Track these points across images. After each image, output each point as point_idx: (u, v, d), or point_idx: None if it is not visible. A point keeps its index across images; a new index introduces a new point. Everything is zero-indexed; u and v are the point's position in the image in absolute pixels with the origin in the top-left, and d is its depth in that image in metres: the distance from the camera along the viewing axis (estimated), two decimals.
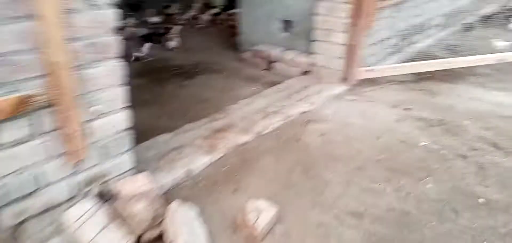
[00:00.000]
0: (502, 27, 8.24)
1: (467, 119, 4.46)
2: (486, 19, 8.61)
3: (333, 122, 4.38)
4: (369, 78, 5.48)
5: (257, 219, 2.65)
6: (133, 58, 6.32)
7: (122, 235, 2.49)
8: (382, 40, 5.99)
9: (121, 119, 2.73)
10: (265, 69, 6.06)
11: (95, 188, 2.76)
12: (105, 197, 2.79)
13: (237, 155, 3.70)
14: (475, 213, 3.01)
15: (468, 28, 8.05)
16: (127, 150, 2.87)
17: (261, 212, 2.71)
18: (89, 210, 2.58)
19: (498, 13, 9.04)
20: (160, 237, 2.64)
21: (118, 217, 2.59)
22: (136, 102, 5.05)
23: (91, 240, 2.42)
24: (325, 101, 4.87)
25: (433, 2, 7.29)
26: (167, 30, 7.40)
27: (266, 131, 4.07)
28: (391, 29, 6.09)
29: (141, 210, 2.55)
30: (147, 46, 6.66)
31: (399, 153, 3.80)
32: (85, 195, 2.71)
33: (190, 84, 5.59)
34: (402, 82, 5.61)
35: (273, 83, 5.45)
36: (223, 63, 6.50)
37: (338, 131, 4.19)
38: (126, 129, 2.80)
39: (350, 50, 5.01)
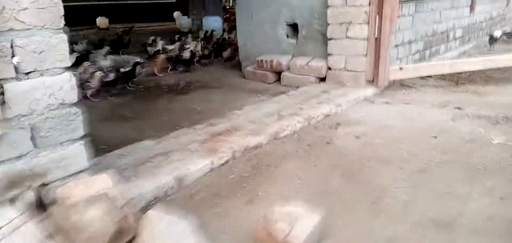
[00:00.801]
0: None
1: None
2: (509, 36, 7.86)
3: (368, 125, 3.37)
4: (399, 83, 4.53)
5: (291, 230, 1.57)
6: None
7: None
8: (407, 43, 5.12)
9: (62, 86, 1.71)
10: (272, 82, 5.10)
11: (26, 194, 1.68)
12: (43, 206, 1.71)
13: (247, 161, 2.64)
14: None
15: (491, 42, 7.26)
16: (77, 139, 1.83)
17: (296, 220, 1.62)
18: (11, 221, 1.50)
19: None
20: None
21: (59, 231, 1.50)
22: (113, 117, 4.16)
23: None
24: (353, 104, 3.88)
25: (453, 10, 6.56)
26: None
27: (284, 134, 3.04)
28: (414, 31, 5.24)
29: (94, 219, 1.47)
30: None
31: (469, 153, 2.79)
32: (8, 202, 1.63)
33: (183, 99, 4.60)
34: (437, 86, 4.66)
35: (283, 94, 4.47)
36: (222, 80, 5.56)
37: (377, 134, 3.17)
38: (71, 104, 1.77)
39: (376, 45, 4.10)
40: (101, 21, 14.56)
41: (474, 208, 2.08)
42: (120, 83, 4.92)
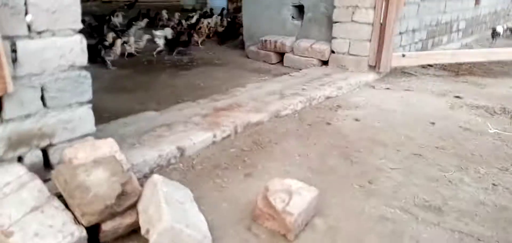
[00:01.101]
0: None
1: None
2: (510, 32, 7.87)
3: (368, 109, 3.43)
4: (401, 70, 4.58)
5: (288, 203, 1.63)
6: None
7: (64, 220, 1.46)
8: (411, 31, 5.13)
9: (73, 47, 1.75)
10: (275, 63, 5.13)
11: (33, 153, 1.74)
12: (49, 166, 1.78)
13: (248, 136, 2.70)
14: None
15: (493, 36, 7.27)
16: (85, 103, 1.88)
17: (295, 193, 1.69)
18: (15, 180, 1.56)
19: None
20: (132, 232, 1.62)
21: (66, 190, 1.56)
22: (114, 89, 4.19)
23: (13, 223, 1.40)
24: (355, 88, 3.93)
25: (458, 1, 6.55)
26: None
27: (285, 113, 3.09)
28: (418, 20, 5.24)
29: (101, 179, 1.53)
30: None
31: (466, 140, 2.86)
32: (16, 159, 1.69)
33: (186, 75, 4.64)
34: (438, 76, 4.71)
35: (285, 74, 4.51)
36: (225, 58, 5.59)
37: (376, 117, 3.23)
38: (81, 67, 1.81)
39: (381, 31, 4.12)
40: None
41: (466, 192, 2.15)
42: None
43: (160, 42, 5.45)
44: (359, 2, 4.22)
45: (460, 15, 6.91)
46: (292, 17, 5.25)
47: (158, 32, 5.64)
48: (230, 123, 2.68)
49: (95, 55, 4.59)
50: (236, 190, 2.05)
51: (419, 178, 2.26)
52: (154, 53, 5.45)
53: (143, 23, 7.13)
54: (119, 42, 5.02)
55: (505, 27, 7.95)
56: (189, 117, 2.77)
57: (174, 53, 5.52)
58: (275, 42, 5.07)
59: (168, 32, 5.87)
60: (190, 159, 2.33)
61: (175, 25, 7.78)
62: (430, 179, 2.26)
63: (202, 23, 7.06)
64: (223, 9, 9.73)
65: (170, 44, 5.54)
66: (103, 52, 4.73)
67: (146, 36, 5.57)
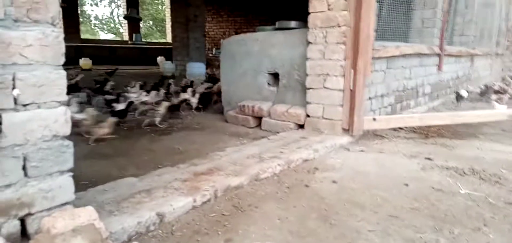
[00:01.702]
0: (487, 103, 8.03)
1: (501, 168, 3.72)
2: (482, 94, 8.43)
3: (344, 171, 3.52)
4: (373, 133, 4.77)
5: None
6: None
7: None
8: (380, 96, 5.41)
9: (57, 118, 1.79)
10: (253, 127, 5.26)
11: (11, 223, 1.71)
12: (27, 236, 1.73)
13: (228, 200, 2.72)
14: None
15: (457, 99, 7.75)
16: (66, 171, 1.88)
17: None
18: None
19: (483, 92, 8.90)
20: None
21: None
22: (93, 155, 4.22)
23: None
24: (330, 150, 4.05)
25: (422, 68, 7.01)
26: None
27: (264, 176, 3.14)
28: (386, 86, 5.56)
29: None
30: None
31: (438, 201, 2.96)
32: None
33: (165, 139, 4.67)
34: (409, 138, 4.92)
35: (263, 138, 4.61)
36: (204, 122, 5.67)
37: (353, 179, 3.32)
38: (64, 137, 1.84)
39: (351, 96, 4.34)
40: (84, 62, 14.62)
41: None
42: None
43: (194, 99, 6.42)
44: (330, 70, 4.48)
45: (425, 80, 7.36)
46: (268, 83, 5.47)
47: (187, 95, 6.50)
48: (210, 187, 2.71)
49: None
50: None
51: (396, 240, 2.32)
52: (193, 109, 6.47)
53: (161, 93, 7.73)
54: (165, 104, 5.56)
55: (468, 90, 8.48)
56: (169, 182, 2.78)
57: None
58: (253, 107, 5.23)
59: (190, 92, 6.79)
60: (169, 225, 2.32)
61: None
62: (407, 241, 2.32)
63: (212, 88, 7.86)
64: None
65: (202, 100, 6.58)
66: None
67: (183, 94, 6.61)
